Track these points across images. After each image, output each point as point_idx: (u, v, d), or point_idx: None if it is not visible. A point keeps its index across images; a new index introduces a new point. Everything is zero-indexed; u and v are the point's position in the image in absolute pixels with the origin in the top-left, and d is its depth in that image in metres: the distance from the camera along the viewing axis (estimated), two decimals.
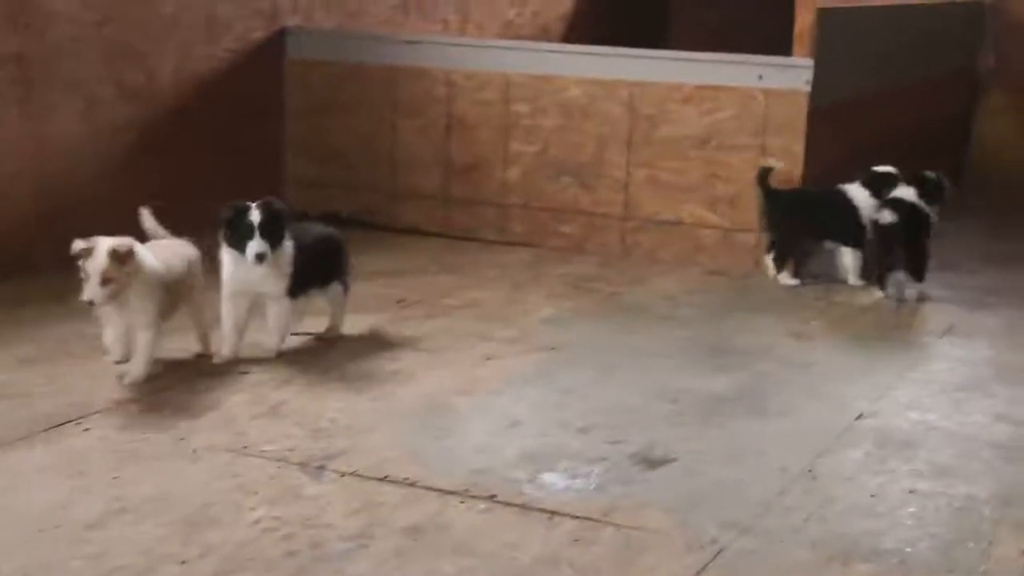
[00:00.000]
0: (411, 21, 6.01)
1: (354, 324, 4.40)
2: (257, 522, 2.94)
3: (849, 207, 5.12)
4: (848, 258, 5.18)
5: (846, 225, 5.13)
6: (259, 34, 5.75)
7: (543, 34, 6.65)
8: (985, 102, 7.27)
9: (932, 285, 5.11)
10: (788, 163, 5.22)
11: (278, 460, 3.29)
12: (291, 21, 5.92)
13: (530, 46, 5.92)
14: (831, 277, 5.23)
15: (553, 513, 3.03)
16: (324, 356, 4.15)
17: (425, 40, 5.91)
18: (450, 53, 5.78)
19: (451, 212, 5.86)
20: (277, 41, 5.88)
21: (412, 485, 3.15)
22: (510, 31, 6.31)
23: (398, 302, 4.78)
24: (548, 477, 3.25)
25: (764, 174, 5.09)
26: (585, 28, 7.02)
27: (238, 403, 3.69)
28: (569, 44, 6.19)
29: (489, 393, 3.86)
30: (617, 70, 5.52)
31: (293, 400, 3.73)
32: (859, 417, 3.73)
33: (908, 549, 2.90)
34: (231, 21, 5.63)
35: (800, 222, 5.17)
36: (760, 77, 5.30)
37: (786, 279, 5.18)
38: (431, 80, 5.77)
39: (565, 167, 5.65)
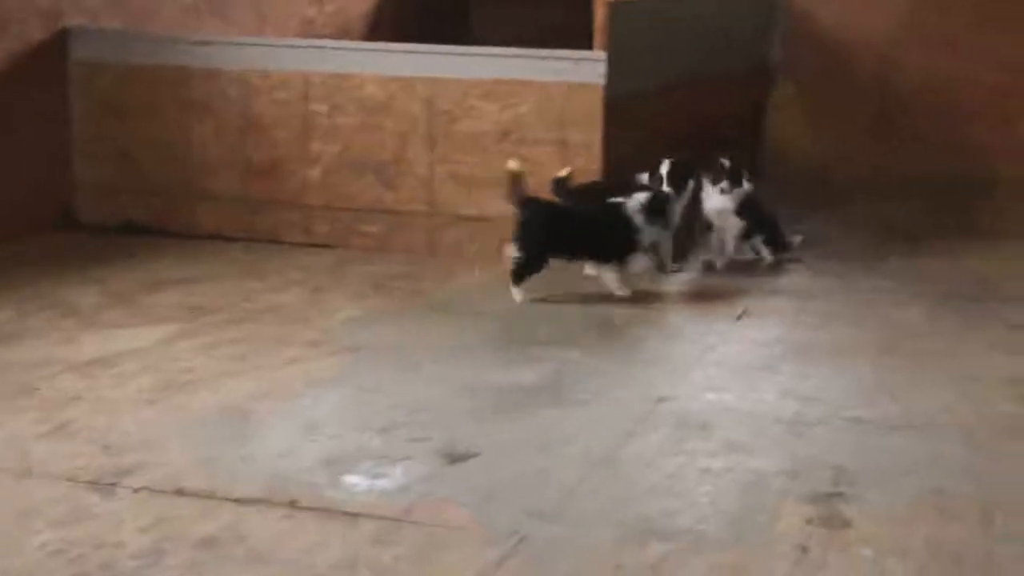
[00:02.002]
0: (205, 22, 5.87)
1: (150, 334, 4.27)
2: (43, 546, 2.81)
3: (624, 224, 4.92)
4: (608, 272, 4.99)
5: (610, 242, 4.95)
6: (39, 35, 5.51)
7: (344, 33, 6.59)
8: (776, 94, 7.52)
9: (734, 273, 5.28)
10: (586, 156, 5.30)
11: (67, 480, 3.15)
12: (75, 21, 5.70)
13: (326, 44, 5.85)
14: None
15: (354, 515, 2.99)
16: (116, 369, 4.00)
17: (218, 40, 5.77)
18: (244, 53, 5.66)
19: (252, 215, 5.74)
20: (59, 41, 5.65)
21: (208, 496, 3.06)
22: (309, 30, 6.22)
23: (194, 309, 4.66)
24: (349, 479, 3.21)
25: (559, 183, 5.06)
26: (388, 26, 6.98)
27: (23, 422, 3.53)
28: (367, 42, 6.14)
29: (289, 398, 3.79)
30: (415, 67, 5.50)
31: (83, 417, 3.58)
32: (659, 401, 3.81)
33: (701, 526, 2.97)
34: (6, 21, 5.38)
35: (547, 241, 4.94)
36: (558, 71, 5.36)
37: (517, 294, 4.88)
38: (225, 81, 5.64)
39: (367, 166, 5.60)
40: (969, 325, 4.56)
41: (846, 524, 3.00)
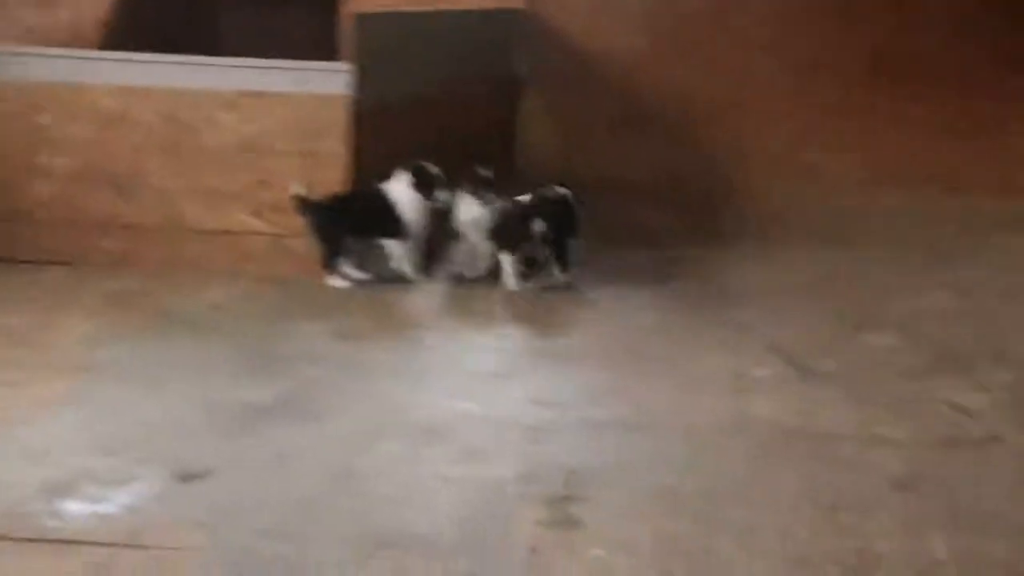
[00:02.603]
0: None
1: None
2: None
3: (390, 204, 5.22)
4: (396, 251, 5.26)
5: (389, 222, 5.22)
6: None
7: (76, 41, 6.28)
8: (523, 105, 7.66)
9: (481, 282, 5.34)
10: (334, 167, 5.26)
11: None
12: None
13: (53, 52, 5.59)
14: (384, 277, 5.30)
15: (72, 543, 2.86)
16: None
17: None
18: None
19: None
20: None
21: None
22: (34, 38, 5.92)
23: None
24: (71, 505, 3.07)
25: (300, 202, 5.11)
26: (127, 35, 6.72)
27: None
28: (100, 51, 5.91)
29: (12, 423, 3.60)
30: (154, 77, 5.33)
31: None
32: (399, 412, 3.81)
33: (436, 534, 2.98)
34: None
35: (342, 224, 5.22)
36: (303, 82, 5.29)
37: (335, 281, 5.20)
38: None
39: (102, 179, 5.38)
40: (699, 326, 4.74)
41: (577, 524, 3.07)
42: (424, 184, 5.21)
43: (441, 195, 5.25)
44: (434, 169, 5.26)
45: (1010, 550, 2.95)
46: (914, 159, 7.33)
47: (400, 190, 5.23)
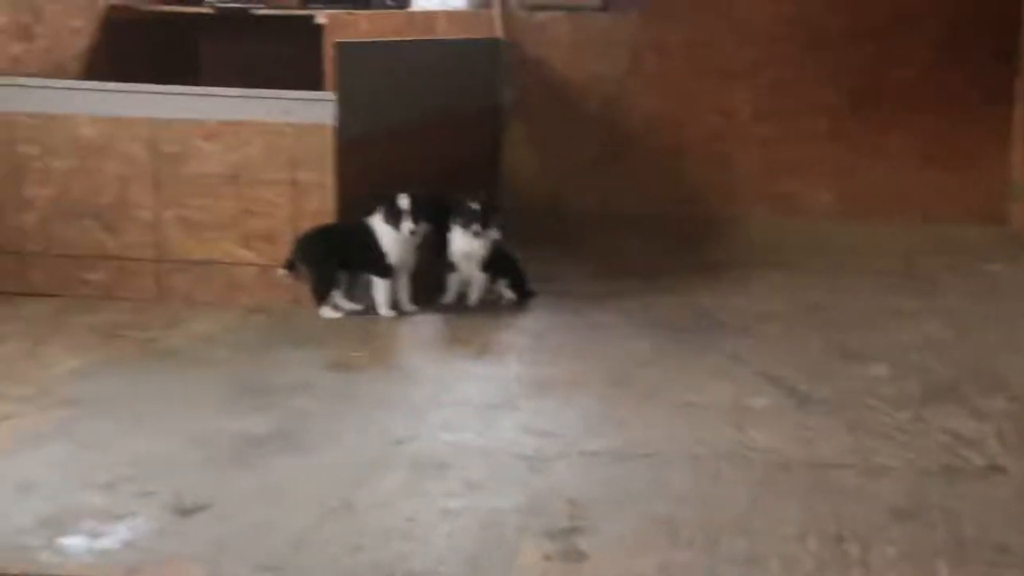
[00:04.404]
0: None
1: None
2: None
3: (372, 238, 5.19)
4: (376, 285, 5.24)
5: (371, 255, 5.19)
6: None
7: (58, 72, 6.25)
8: (508, 135, 7.67)
9: (471, 312, 5.32)
10: (320, 197, 5.24)
11: None
12: None
13: (33, 83, 5.54)
14: (374, 308, 5.27)
15: None
16: None
17: None
18: None
19: None
20: None
21: None
22: (16, 68, 5.88)
23: None
24: (67, 540, 3.01)
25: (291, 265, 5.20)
26: (108, 65, 6.68)
27: None
28: (81, 81, 5.87)
29: (2, 456, 3.53)
30: (135, 107, 5.29)
31: None
32: (396, 444, 3.77)
33: (439, 568, 2.94)
34: None
35: (333, 255, 5.19)
36: (286, 111, 5.27)
37: (328, 313, 5.18)
38: None
39: (86, 210, 5.34)
40: (692, 355, 4.74)
41: (582, 557, 3.04)
42: (392, 216, 5.16)
43: (411, 227, 5.16)
44: (404, 201, 5.18)
45: None
46: (894, 188, 7.41)
47: (380, 224, 5.20)
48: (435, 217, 5.30)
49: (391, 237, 5.18)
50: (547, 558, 3.01)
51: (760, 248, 6.79)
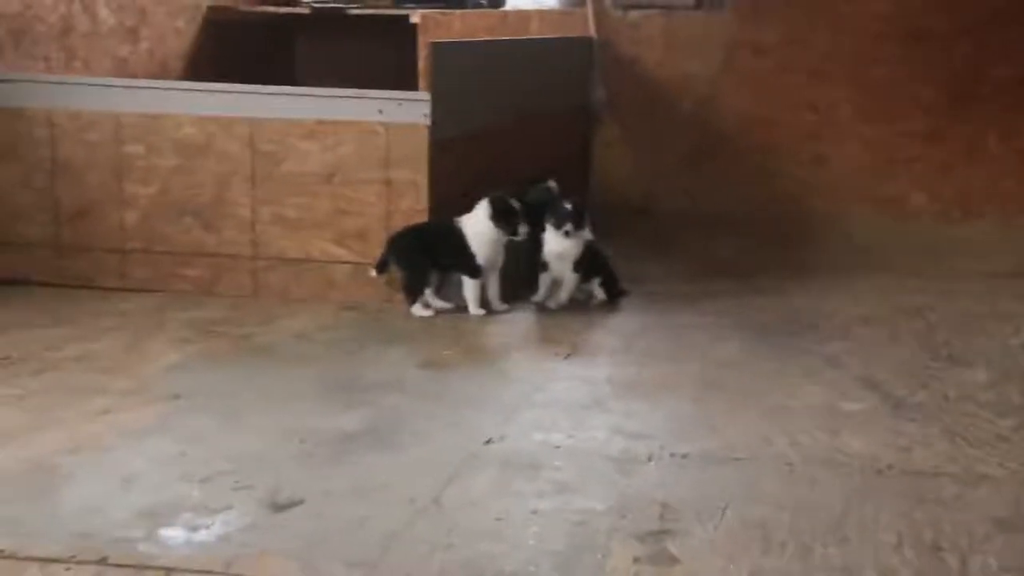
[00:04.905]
0: (7, 58, 5.61)
1: None
2: None
3: (463, 239, 5.20)
4: (467, 284, 5.26)
5: (462, 256, 5.21)
6: None
7: (161, 72, 6.41)
8: (599, 134, 7.65)
9: (561, 312, 5.32)
10: (414, 196, 5.29)
11: None
12: None
13: (139, 83, 5.68)
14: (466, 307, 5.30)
15: (170, 570, 2.86)
16: None
17: (19, 78, 5.52)
18: (51, 92, 5.45)
19: (64, 260, 5.51)
20: None
21: (8, 557, 2.89)
22: (123, 69, 6.02)
23: (0, 359, 4.43)
24: (166, 532, 3.08)
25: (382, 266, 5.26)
26: (208, 66, 6.83)
27: None
28: (183, 81, 5.99)
29: (102, 450, 3.62)
30: (234, 107, 5.39)
31: None
32: (487, 443, 3.78)
33: (531, 568, 2.94)
34: None
35: (426, 254, 5.23)
36: (380, 111, 5.32)
37: (419, 311, 5.22)
38: (29, 121, 5.43)
39: (186, 208, 5.45)
40: (786, 358, 4.68)
41: (673, 560, 3.01)
42: (502, 216, 5.19)
43: (520, 227, 5.22)
44: (514, 200, 5.24)
45: None
46: (995, 188, 7.22)
47: (474, 224, 5.22)
48: (531, 217, 5.32)
49: (486, 238, 5.19)
50: (637, 560, 2.99)
51: (857, 249, 6.68)
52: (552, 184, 5.82)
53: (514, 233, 5.20)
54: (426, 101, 5.29)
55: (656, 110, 7.54)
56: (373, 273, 5.23)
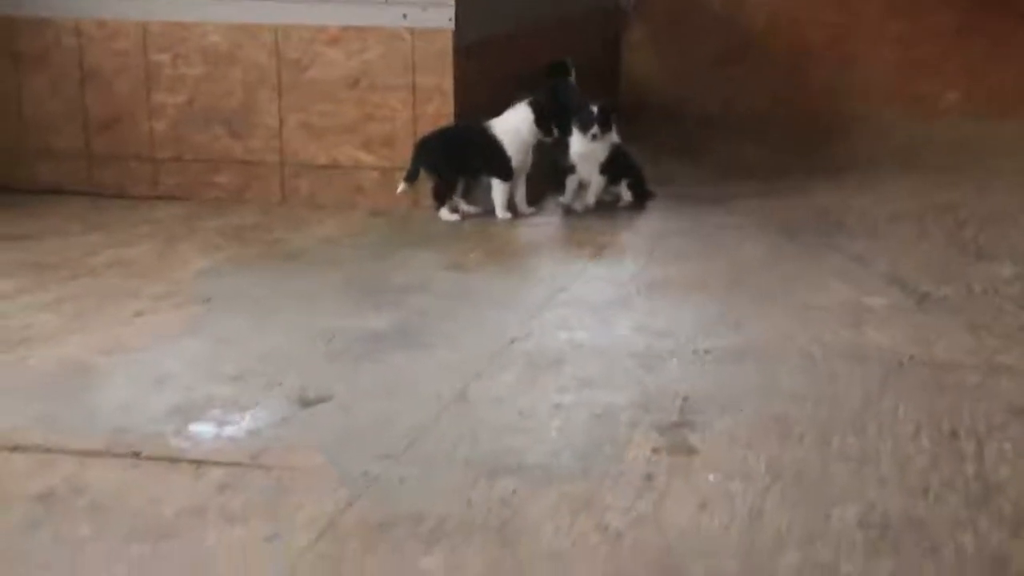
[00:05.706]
0: None
1: None
2: None
3: (494, 142, 5.22)
4: (496, 187, 5.29)
5: (492, 158, 5.23)
6: None
7: None
8: (627, 37, 7.58)
9: (588, 213, 5.34)
10: (440, 101, 5.29)
11: None
12: None
13: None
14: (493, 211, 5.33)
15: (201, 463, 2.95)
16: None
17: None
18: (78, 1, 5.47)
19: (95, 169, 5.58)
20: None
21: (46, 451, 2.99)
22: None
23: (34, 265, 4.52)
24: (196, 427, 3.16)
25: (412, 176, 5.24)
26: None
27: None
28: None
29: (135, 350, 3.71)
30: (259, 14, 5.40)
31: None
32: (512, 341, 3.83)
33: (551, 460, 3.00)
34: None
35: (453, 158, 5.25)
36: (404, 16, 5.31)
37: (447, 215, 5.25)
38: (57, 30, 5.46)
39: (214, 116, 5.49)
40: (811, 257, 4.69)
41: (692, 451, 3.06)
42: (543, 119, 5.19)
43: (555, 130, 5.23)
44: (547, 103, 5.23)
45: None
46: None
47: (505, 127, 5.22)
48: (559, 119, 5.31)
49: (517, 141, 5.19)
50: (656, 451, 3.05)
51: (887, 148, 6.62)
52: (568, 61, 5.80)
53: (550, 135, 5.21)
54: (450, 6, 5.27)
55: (685, 11, 7.47)
56: (402, 186, 5.24)
